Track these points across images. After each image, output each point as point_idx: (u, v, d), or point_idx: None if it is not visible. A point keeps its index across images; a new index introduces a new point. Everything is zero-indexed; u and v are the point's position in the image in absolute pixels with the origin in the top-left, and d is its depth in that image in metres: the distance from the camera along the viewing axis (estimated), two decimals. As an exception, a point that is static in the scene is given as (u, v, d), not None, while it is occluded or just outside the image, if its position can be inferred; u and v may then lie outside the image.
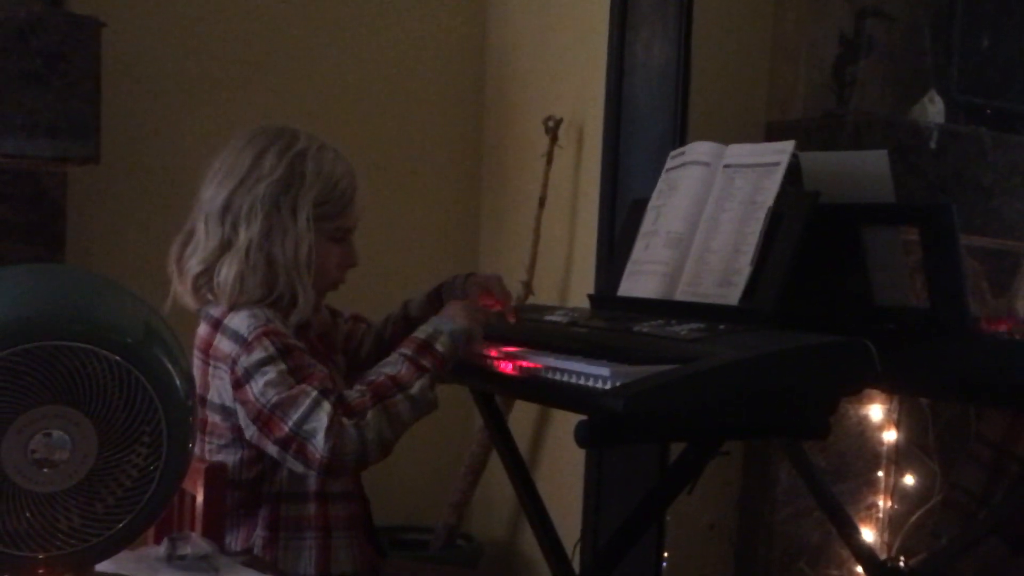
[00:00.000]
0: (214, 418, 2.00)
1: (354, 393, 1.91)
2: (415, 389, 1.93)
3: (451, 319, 2.02)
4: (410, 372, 1.94)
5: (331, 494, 2.03)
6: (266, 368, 1.89)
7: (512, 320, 2.22)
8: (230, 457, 1.99)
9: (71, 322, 1.35)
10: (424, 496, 3.75)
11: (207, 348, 2.00)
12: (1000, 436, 3.30)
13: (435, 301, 2.24)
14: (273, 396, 1.87)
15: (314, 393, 1.87)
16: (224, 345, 1.95)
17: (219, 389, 1.98)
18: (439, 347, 1.98)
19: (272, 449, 1.91)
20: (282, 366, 1.89)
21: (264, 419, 1.88)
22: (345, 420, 1.86)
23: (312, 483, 2.00)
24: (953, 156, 3.33)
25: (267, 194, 1.98)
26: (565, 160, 3.45)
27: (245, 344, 1.91)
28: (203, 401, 2.01)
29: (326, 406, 1.86)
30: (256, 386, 1.89)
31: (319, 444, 1.84)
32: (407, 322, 2.25)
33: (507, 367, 2.05)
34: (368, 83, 3.74)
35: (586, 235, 3.32)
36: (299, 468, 1.90)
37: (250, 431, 1.93)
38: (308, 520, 2.01)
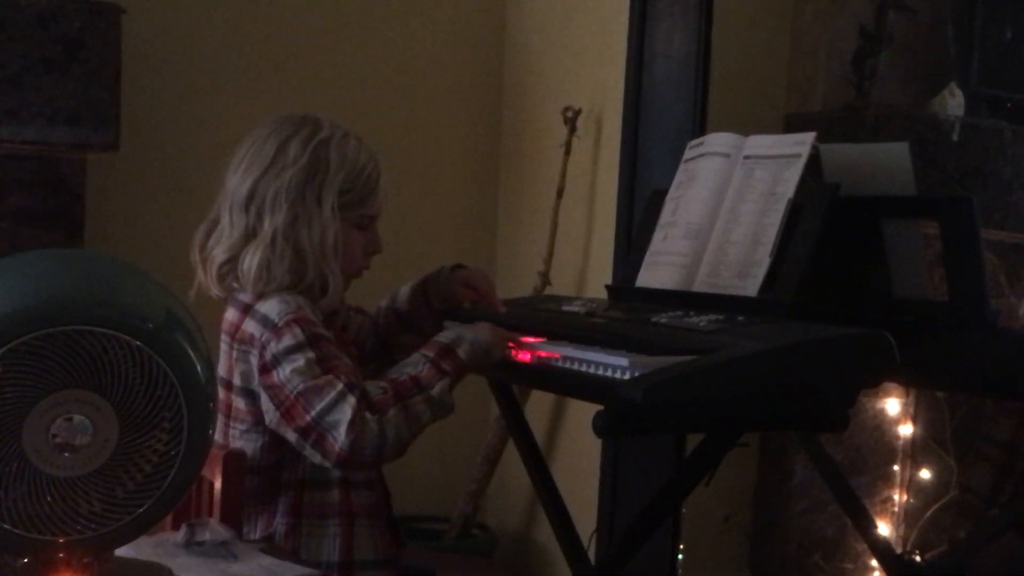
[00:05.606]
0: (238, 403, 2.00)
1: (376, 390, 1.91)
2: (435, 391, 1.94)
3: (475, 331, 2.04)
4: (431, 374, 1.95)
5: (354, 482, 2.03)
6: (294, 356, 1.89)
7: (502, 310, 2.23)
8: (251, 442, 2.00)
9: (93, 307, 1.36)
10: (440, 486, 3.75)
11: (234, 332, 2.00)
12: (1008, 435, 3.30)
13: (419, 293, 2.26)
14: (299, 384, 1.88)
15: (340, 385, 1.87)
16: (252, 328, 1.96)
17: (244, 372, 1.98)
18: (460, 353, 1.99)
19: (291, 436, 1.91)
20: (310, 354, 1.90)
21: (288, 406, 1.89)
22: (367, 415, 1.87)
23: (336, 470, 2.00)
24: (973, 150, 3.32)
25: (292, 183, 1.98)
26: (583, 150, 3.45)
27: (275, 329, 1.92)
28: (229, 385, 2.01)
29: (351, 399, 1.86)
30: (283, 372, 1.89)
31: (340, 436, 1.85)
32: (396, 315, 2.28)
33: (524, 356, 2.05)
34: (387, 73, 3.74)
35: (604, 225, 3.31)
36: (316, 459, 1.90)
37: (270, 416, 1.93)
38: (332, 507, 2.01)
